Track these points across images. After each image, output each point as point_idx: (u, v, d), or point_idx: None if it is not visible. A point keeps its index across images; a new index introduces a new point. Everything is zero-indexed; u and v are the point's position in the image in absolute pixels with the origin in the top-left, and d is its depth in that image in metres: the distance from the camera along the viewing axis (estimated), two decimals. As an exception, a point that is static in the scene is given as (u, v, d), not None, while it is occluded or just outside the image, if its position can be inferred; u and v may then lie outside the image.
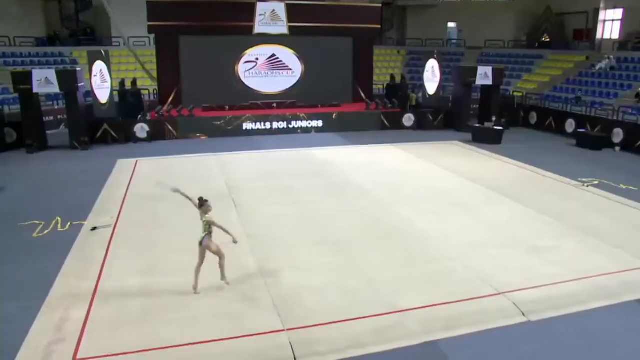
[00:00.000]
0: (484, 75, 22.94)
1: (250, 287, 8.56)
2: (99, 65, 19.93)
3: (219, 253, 8.33)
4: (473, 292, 8.34)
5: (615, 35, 28.64)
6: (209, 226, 8.19)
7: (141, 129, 20.41)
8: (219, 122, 21.46)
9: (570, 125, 22.17)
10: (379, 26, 27.13)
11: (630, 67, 23.87)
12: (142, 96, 23.32)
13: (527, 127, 24.44)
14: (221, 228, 8.19)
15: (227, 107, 23.08)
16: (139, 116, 20.96)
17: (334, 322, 7.46)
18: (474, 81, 23.06)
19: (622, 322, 7.71)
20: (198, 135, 21.07)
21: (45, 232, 10.88)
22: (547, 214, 12.08)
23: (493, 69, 23.10)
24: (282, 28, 24.50)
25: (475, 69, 23.23)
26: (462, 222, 11.63)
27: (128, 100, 22.07)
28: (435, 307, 7.92)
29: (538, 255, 9.81)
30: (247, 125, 21.85)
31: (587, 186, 14.58)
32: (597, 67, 24.77)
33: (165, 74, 23.75)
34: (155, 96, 24.61)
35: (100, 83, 20.09)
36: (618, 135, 19.72)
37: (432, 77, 24.64)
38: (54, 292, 8.26)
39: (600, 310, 8.00)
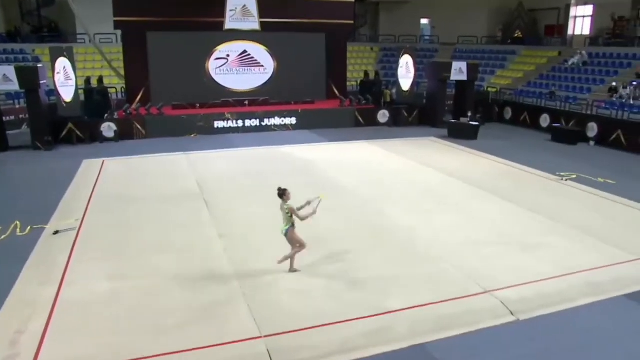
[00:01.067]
0: (459, 71, 22.77)
1: (225, 291, 8.04)
2: (62, 62, 19.07)
3: (295, 245, 8.45)
4: (461, 292, 7.98)
5: (586, 31, 28.91)
6: (290, 216, 8.27)
7: (108, 128, 19.60)
8: (189, 121, 20.80)
9: (544, 120, 22.18)
10: (352, 22, 26.75)
11: (602, 62, 23.99)
12: (109, 94, 22.47)
13: (501, 122, 24.38)
14: (300, 216, 8.30)
15: (198, 105, 22.46)
16: (106, 115, 20.14)
17: (318, 327, 6.99)
18: (449, 77, 22.86)
19: (611, 318, 7.47)
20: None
21: (3, 237, 10.13)
22: (535, 211, 11.83)
23: (467, 65, 22.94)
24: (253, 24, 23.91)
25: (450, 65, 23.04)
26: (450, 220, 11.28)
27: (94, 99, 21.21)
28: (423, 307, 7.53)
29: (530, 253, 9.51)
30: (219, 124, 21.23)
31: (567, 180, 14.46)
32: (570, 63, 24.86)
33: (133, 71, 22.90)
34: (123, 94, 23.74)
35: (64, 81, 19.23)
36: (592, 129, 19.74)
37: (406, 73, 24.41)
38: (10, 302, 7.60)
39: (590, 307, 7.75)
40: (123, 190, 13.36)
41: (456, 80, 23.40)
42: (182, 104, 22.14)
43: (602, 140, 19.32)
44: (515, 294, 7.97)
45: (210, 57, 24.00)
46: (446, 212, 11.76)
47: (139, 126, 20.15)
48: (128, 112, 20.59)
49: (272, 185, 13.88)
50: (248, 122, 21.65)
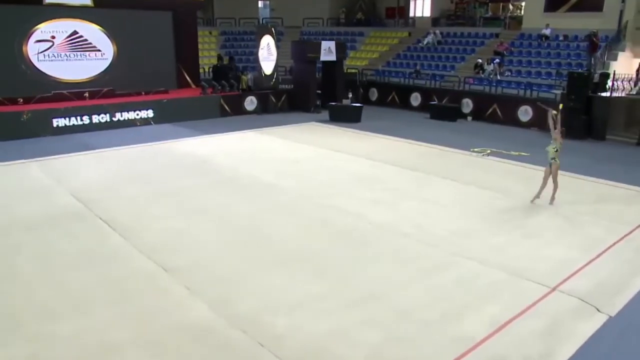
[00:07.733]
0: (328, 51, 21.42)
1: (241, 352, 5.34)
2: None
3: (556, 175, 9.47)
4: (527, 296, 6.46)
5: (427, 13, 29.87)
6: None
7: None
8: (15, 120, 16.08)
9: (415, 98, 22.04)
10: (202, -1, 23.73)
11: (455, 40, 24.77)
12: None
13: (368, 104, 23.57)
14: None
15: (21, 100, 17.62)
16: None
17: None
18: (318, 57, 21.40)
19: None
20: None
21: None
22: (489, 189, 10.99)
23: (336, 44, 21.72)
24: (83, -2, 19.57)
25: (319, 44, 21.55)
26: (417, 208, 9.78)
27: None
28: (510, 326, 5.81)
29: (533, 237, 8.45)
30: (59, 122, 16.81)
31: (488, 155, 14.04)
32: (425, 42, 25.24)
33: None
34: None
35: None
36: (468, 105, 20.04)
37: (268, 55, 22.30)
38: None
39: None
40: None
41: (322, 61, 22.04)
42: (-1, 99, 17.16)
43: (478, 115, 19.66)
44: (577, 285, 6.75)
45: (28, 38, 18.95)
46: (408, 200, 10.24)
47: (-59, 131, 14.92)
48: None
49: (186, 188, 10.92)
50: (96, 118, 17.56)
